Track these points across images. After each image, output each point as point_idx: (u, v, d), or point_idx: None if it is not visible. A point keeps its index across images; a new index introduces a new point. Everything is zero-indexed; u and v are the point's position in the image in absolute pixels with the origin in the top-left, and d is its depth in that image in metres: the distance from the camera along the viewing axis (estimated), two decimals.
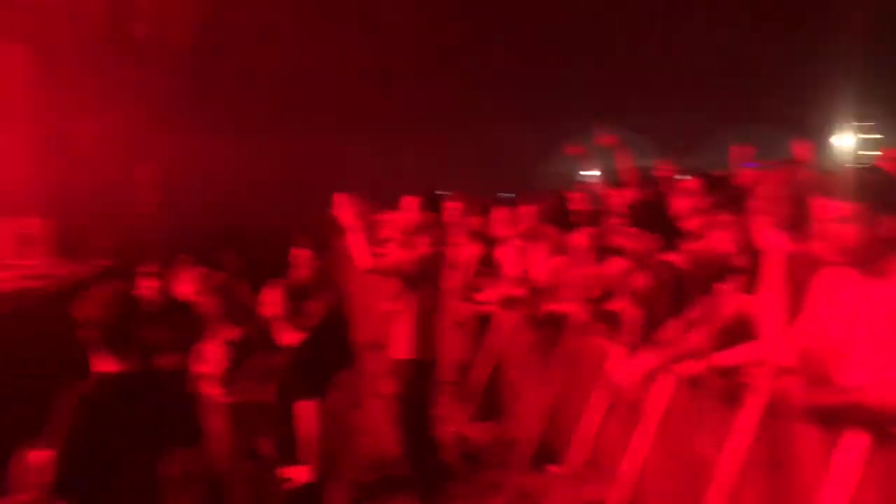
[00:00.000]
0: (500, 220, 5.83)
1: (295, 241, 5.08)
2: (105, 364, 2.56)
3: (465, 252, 5.71)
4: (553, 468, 4.10)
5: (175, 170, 12.47)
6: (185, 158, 12.73)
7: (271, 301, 3.55)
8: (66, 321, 7.01)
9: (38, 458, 2.89)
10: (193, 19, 12.94)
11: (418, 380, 4.33)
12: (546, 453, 4.41)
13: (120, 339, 2.56)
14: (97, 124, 11.68)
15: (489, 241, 5.80)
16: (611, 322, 3.81)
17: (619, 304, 3.77)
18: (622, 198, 4.83)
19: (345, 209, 4.30)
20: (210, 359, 4.52)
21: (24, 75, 10.25)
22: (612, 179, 5.14)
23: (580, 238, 4.36)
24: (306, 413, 3.27)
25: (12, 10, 11.80)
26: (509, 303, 4.85)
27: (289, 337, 3.54)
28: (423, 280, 4.25)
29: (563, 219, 4.62)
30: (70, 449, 2.46)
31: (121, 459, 2.52)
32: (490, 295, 5.16)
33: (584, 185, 6.39)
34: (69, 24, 11.75)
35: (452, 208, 5.71)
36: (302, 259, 4.96)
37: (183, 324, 4.34)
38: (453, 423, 5.15)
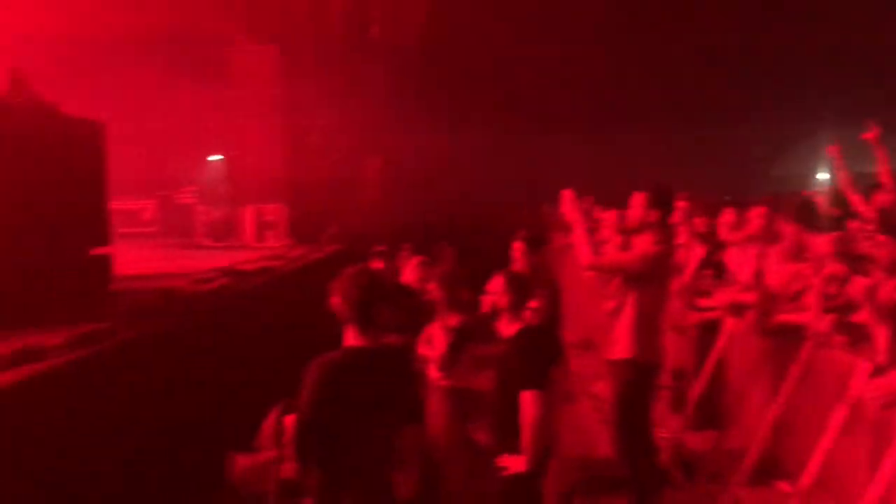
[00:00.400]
0: (728, 223, 5.58)
1: (514, 235, 5.16)
2: (352, 338, 2.75)
3: (689, 254, 5.51)
4: (781, 485, 3.86)
5: (400, 163, 13.08)
6: (409, 153, 13.31)
7: (494, 291, 3.61)
8: (299, 297, 7.57)
9: (285, 420, 3.15)
10: (422, 19, 13.52)
11: (635, 381, 4.23)
12: (769, 468, 4.17)
13: (366, 317, 2.73)
14: (331, 119, 12.49)
15: (714, 244, 5.57)
16: (855, 335, 3.52)
17: (865, 317, 3.48)
18: (872, 202, 4.43)
19: (569, 205, 4.29)
20: (433, 343, 4.72)
21: (271, 74, 11.19)
22: (861, 183, 4.74)
23: (823, 243, 4.06)
24: (528, 403, 3.30)
25: (263, 14, 12.98)
26: (738, 309, 4.61)
27: (509, 327, 3.59)
28: (646, 279, 4.15)
29: (808, 221, 4.32)
30: (314, 415, 2.66)
31: (358, 430, 2.69)
32: (717, 300, 4.94)
33: (823, 188, 5.95)
34: (311, 25, 12.68)
35: (678, 208, 5.53)
36: (519, 252, 5.04)
37: (409, 307, 4.54)
38: (669, 429, 4.99)
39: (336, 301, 2.79)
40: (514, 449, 3.43)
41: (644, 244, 4.21)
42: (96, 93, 10.79)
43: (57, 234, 5.30)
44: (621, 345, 4.21)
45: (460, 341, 4.67)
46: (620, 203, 5.85)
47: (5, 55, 9.16)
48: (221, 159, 12.40)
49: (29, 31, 12.73)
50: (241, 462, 3.47)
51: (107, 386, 3.91)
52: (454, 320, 4.72)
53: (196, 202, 12.29)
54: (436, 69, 14.01)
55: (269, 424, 3.50)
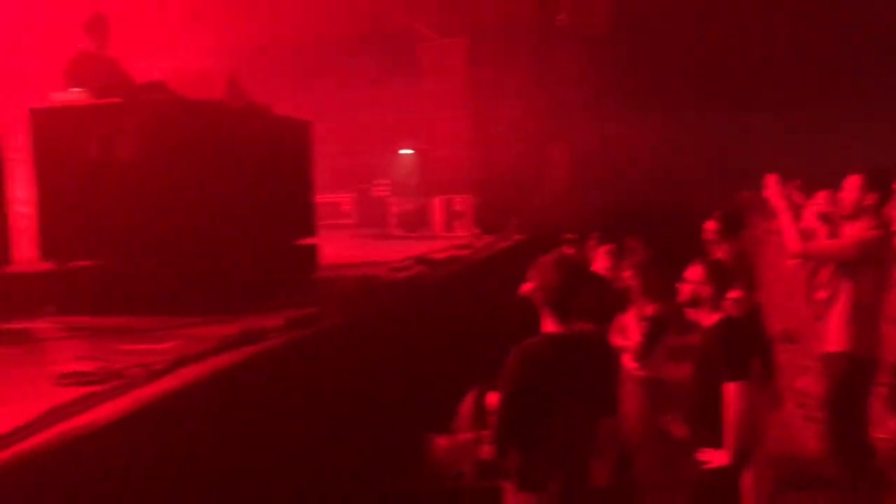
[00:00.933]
0: None
1: (709, 222, 4.96)
2: (549, 325, 2.78)
3: None
4: None
5: (587, 151, 12.93)
6: (597, 140, 13.12)
7: (693, 279, 3.51)
8: (487, 285, 7.68)
9: (484, 403, 3.23)
10: (612, 3, 13.27)
11: (850, 377, 3.95)
12: None
13: (565, 304, 2.75)
14: (519, 109, 12.56)
15: None
16: None
17: None
18: None
19: (774, 190, 4.07)
20: (628, 332, 4.66)
21: (460, 66, 11.44)
22: None
23: None
24: (732, 396, 3.18)
25: (453, 8, 13.28)
26: None
27: (709, 317, 3.46)
28: (863, 267, 3.86)
29: None
30: (516, 400, 2.72)
31: (558, 416, 2.72)
32: None
33: None
34: (500, 16, 12.81)
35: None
36: (711, 232, 4.84)
37: (604, 295, 4.49)
38: (887, 430, 4.61)
39: (533, 287, 2.83)
40: (709, 442, 3.33)
41: (859, 229, 3.91)
42: (299, 93, 11.56)
43: (269, 225, 5.76)
44: (835, 337, 3.95)
45: (655, 331, 4.58)
46: (815, 188, 5.46)
47: (223, 61, 10.00)
48: (412, 153, 12.86)
49: (242, 39, 13.81)
50: (440, 443, 3.61)
51: (317, 366, 4.20)
52: (649, 309, 4.63)
53: (389, 194, 12.82)
54: (625, 53, 13.68)
55: (466, 408, 3.61)
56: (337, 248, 8.23)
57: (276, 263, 5.79)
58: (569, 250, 5.42)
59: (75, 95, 5.38)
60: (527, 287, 2.84)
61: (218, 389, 3.29)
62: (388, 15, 13.98)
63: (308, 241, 6.46)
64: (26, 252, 5.30)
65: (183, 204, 4.89)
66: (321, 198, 7.17)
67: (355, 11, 14.21)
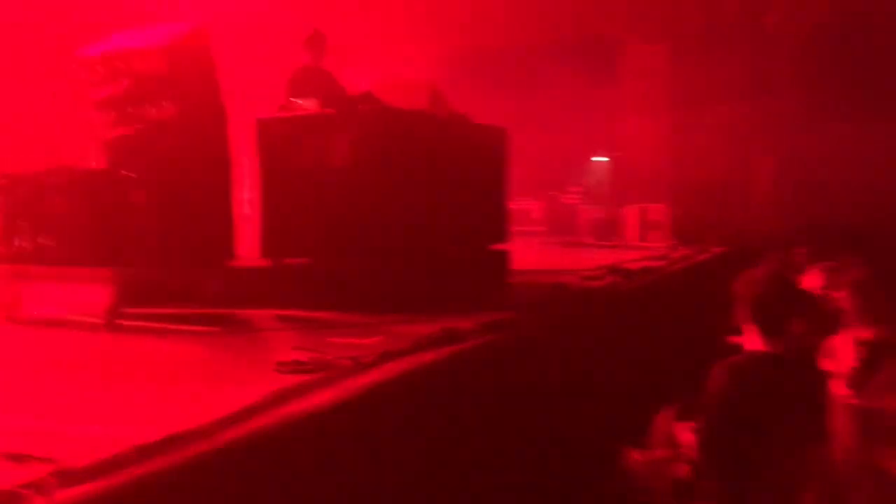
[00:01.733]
0: None
1: None
2: (756, 343, 2.67)
3: None
4: None
5: (795, 160, 12.17)
6: (806, 149, 12.31)
7: None
8: (684, 298, 7.41)
9: (680, 423, 3.15)
10: (825, 3, 12.42)
11: None
12: None
13: (774, 322, 2.63)
14: (721, 116, 12.07)
15: None
16: None
17: None
18: None
19: None
20: (840, 356, 4.34)
21: (660, 72, 11.18)
22: None
23: None
24: None
25: (655, 13, 13.01)
26: None
27: None
28: None
29: None
30: (716, 421, 2.63)
31: (763, 440, 2.60)
32: None
33: None
34: (703, 21, 12.38)
35: None
36: None
37: (814, 315, 4.22)
38: None
39: (740, 303, 2.73)
40: None
41: None
42: (496, 99, 11.77)
43: (466, 230, 5.93)
44: None
45: (874, 357, 4.23)
46: None
47: (426, 71, 10.42)
48: (606, 160, 12.70)
49: (442, 49, 14.29)
50: (635, 457, 3.55)
51: (510, 370, 4.27)
52: (867, 333, 4.29)
53: (581, 202, 12.73)
54: (839, 56, 12.73)
55: (661, 423, 3.53)
56: (528, 254, 8.29)
57: (471, 267, 5.95)
58: (773, 266, 5.12)
59: (296, 106, 5.83)
60: (735, 302, 2.74)
61: (418, 385, 3.44)
62: (587, 21, 13.92)
63: (502, 246, 6.58)
64: (248, 249, 5.79)
65: (389, 208, 5.17)
66: (511, 204, 7.26)
67: (554, 19, 14.27)
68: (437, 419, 3.50)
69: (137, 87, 4.95)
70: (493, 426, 3.99)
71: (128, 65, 4.93)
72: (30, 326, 4.84)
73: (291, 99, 6.09)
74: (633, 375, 5.82)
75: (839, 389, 4.30)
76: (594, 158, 12.88)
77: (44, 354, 4.25)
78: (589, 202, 12.54)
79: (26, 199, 4.87)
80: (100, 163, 5.22)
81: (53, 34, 9.07)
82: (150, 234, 4.65)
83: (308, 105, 5.68)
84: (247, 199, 6.37)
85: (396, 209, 5.18)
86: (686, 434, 2.84)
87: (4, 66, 9.55)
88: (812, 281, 4.86)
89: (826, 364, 4.22)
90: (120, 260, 4.62)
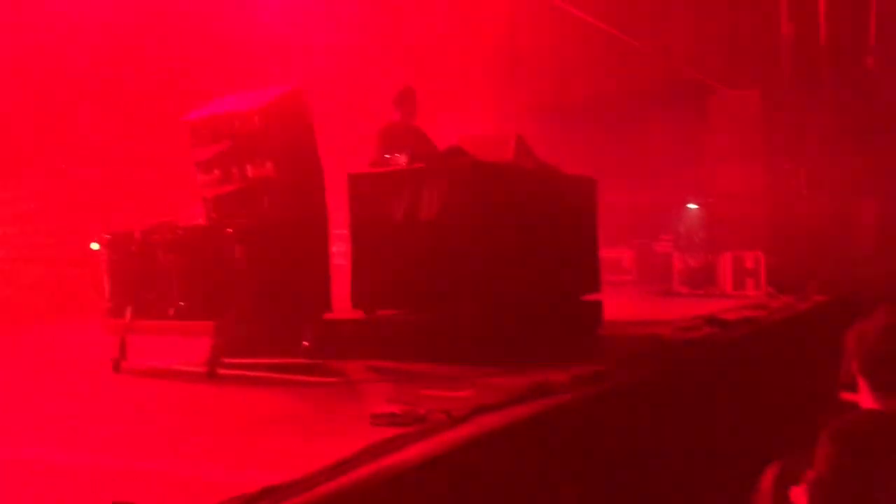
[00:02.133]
0: None
1: None
2: (871, 401, 2.52)
3: None
4: None
5: None
6: None
7: None
8: (785, 350, 7.12)
9: (785, 479, 3.00)
10: None
11: None
12: None
13: (887, 377, 2.48)
14: (819, 161, 11.71)
15: None
16: None
17: None
18: None
19: None
20: None
21: (751, 118, 10.94)
22: None
23: None
24: None
25: (745, 59, 12.83)
26: None
27: None
28: None
29: None
30: (827, 485, 2.47)
31: None
32: None
33: None
34: (796, 64, 12.11)
35: None
36: None
37: None
38: None
39: (851, 357, 2.59)
40: None
41: None
42: (586, 147, 11.77)
43: (558, 280, 5.89)
44: None
45: None
46: None
47: (513, 123, 10.52)
48: (698, 207, 12.46)
49: (530, 99, 14.43)
50: None
51: (603, 425, 4.18)
52: None
53: (673, 250, 12.48)
54: None
55: (766, 483, 3.37)
56: (619, 304, 8.15)
57: (563, 318, 5.90)
58: (889, 316, 4.87)
59: (387, 161, 5.97)
60: (846, 355, 2.60)
61: (511, 439, 3.40)
62: (677, 68, 13.82)
63: (593, 296, 6.50)
64: (341, 301, 5.91)
65: (479, 260, 5.19)
66: (602, 253, 7.19)
67: (643, 66, 14.23)
68: (529, 474, 3.45)
69: (238, 147, 5.18)
70: (586, 482, 3.90)
71: (229, 126, 5.17)
72: (134, 377, 5.04)
73: (382, 154, 6.24)
74: (733, 432, 5.60)
75: None
76: (687, 206, 12.65)
77: (145, 404, 4.41)
78: (682, 250, 12.28)
79: (131, 255, 5.12)
80: (202, 219, 5.47)
81: (160, 99, 9.62)
82: (249, 288, 4.80)
83: (398, 160, 5.81)
84: (339, 251, 6.51)
85: (486, 261, 5.21)
86: (795, 498, 2.68)
87: (115, 130, 10.16)
88: None
89: None
90: (220, 313, 4.79)
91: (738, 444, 5.12)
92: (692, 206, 12.13)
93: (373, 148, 6.78)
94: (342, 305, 5.75)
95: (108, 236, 5.26)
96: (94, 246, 5.51)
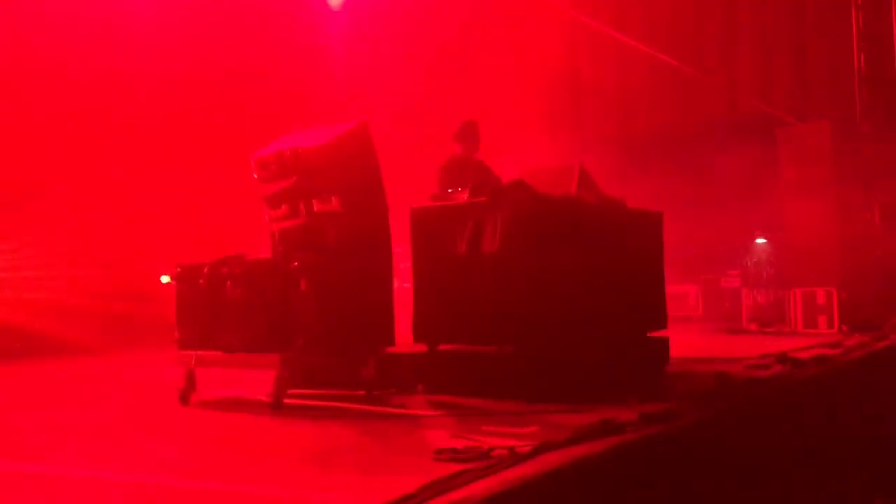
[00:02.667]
0: None
1: None
2: None
3: None
4: None
5: None
6: None
7: None
8: (861, 390, 6.84)
9: None
10: None
11: None
12: None
13: None
14: (892, 192, 11.34)
15: None
16: None
17: None
18: None
19: None
20: None
21: (823, 150, 10.67)
22: None
23: None
24: None
25: (813, 90, 12.58)
26: None
27: None
28: None
29: None
30: None
31: None
32: None
33: None
34: (867, 94, 11.82)
35: None
36: None
37: None
38: None
39: None
40: None
41: None
42: (650, 181, 11.64)
43: (623, 316, 5.79)
44: None
45: None
46: None
47: (578, 156, 10.47)
48: (766, 242, 12.15)
49: (595, 133, 14.39)
50: None
51: (672, 464, 4.05)
52: None
53: (741, 286, 12.18)
54: None
55: None
56: (686, 340, 7.97)
57: (629, 355, 5.78)
58: None
59: (449, 195, 5.99)
60: None
61: (576, 478, 3.32)
62: (742, 101, 13.61)
63: (660, 333, 6.37)
64: (403, 335, 5.92)
65: (541, 294, 5.14)
66: (667, 288, 7.05)
67: (708, 99, 14.07)
68: None
69: (304, 182, 5.27)
70: None
71: (296, 162, 5.26)
72: (200, 408, 5.12)
73: (446, 189, 6.27)
74: (808, 475, 5.38)
75: None
76: (755, 240, 12.36)
77: (210, 434, 4.47)
78: (750, 286, 11.97)
79: (199, 288, 5.23)
80: (270, 253, 5.56)
81: (229, 137, 9.90)
82: (314, 321, 4.85)
83: (460, 194, 5.82)
84: (402, 285, 6.54)
85: (549, 296, 5.15)
86: None
87: (185, 166, 10.48)
88: None
89: None
90: (286, 345, 4.84)
91: (812, 487, 4.91)
92: (761, 240, 11.84)
93: (436, 182, 6.83)
94: (405, 339, 5.75)
95: (178, 269, 5.38)
96: (165, 279, 5.65)
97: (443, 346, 5.71)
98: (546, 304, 5.14)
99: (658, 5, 14.54)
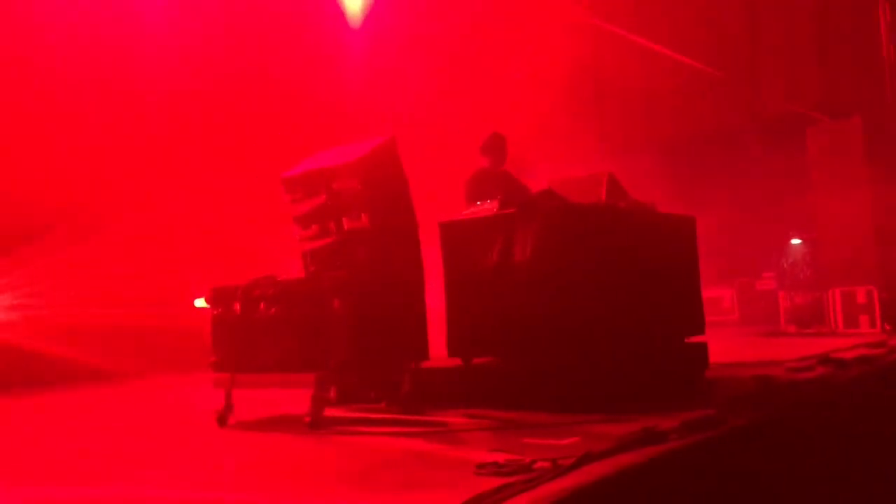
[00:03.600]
0: None
1: None
2: None
3: None
4: None
5: None
6: None
7: None
8: None
9: None
10: None
11: None
12: None
13: None
14: None
15: None
16: None
17: None
18: None
19: None
20: None
21: (855, 148, 10.51)
22: None
23: None
24: None
25: (843, 87, 12.41)
26: None
27: None
28: None
29: None
30: None
31: None
32: None
33: None
34: (893, 90, 11.64)
35: None
36: None
37: None
38: None
39: None
40: None
41: None
42: (684, 185, 11.55)
43: (660, 322, 5.71)
44: None
45: None
46: None
47: (604, 164, 10.41)
48: (801, 243, 11.98)
49: (624, 138, 14.32)
50: None
51: (716, 470, 3.98)
52: None
53: (777, 287, 12.01)
54: None
55: None
56: (724, 345, 7.87)
57: (668, 362, 5.70)
58: None
59: (477, 208, 5.97)
60: None
61: (621, 488, 3.27)
62: (773, 101, 13.46)
63: (698, 338, 6.27)
64: (437, 349, 5.89)
65: (575, 303, 5.09)
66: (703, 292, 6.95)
67: (738, 100, 13.94)
68: None
69: (334, 201, 5.28)
70: None
71: (324, 181, 5.28)
72: (239, 430, 5.13)
73: (474, 201, 6.26)
74: (857, 480, 5.25)
75: None
76: (790, 241, 12.19)
77: (248, 455, 4.47)
78: (787, 287, 11.79)
79: (233, 310, 5.25)
80: (302, 273, 5.58)
81: (260, 159, 9.99)
82: (347, 339, 4.84)
83: (489, 206, 5.80)
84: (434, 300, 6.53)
85: (581, 304, 5.10)
86: None
87: (217, 188, 10.58)
88: None
89: None
90: (321, 364, 4.83)
91: (861, 490, 4.78)
92: (796, 241, 11.67)
93: (463, 196, 6.82)
94: (439, 353, 5.73)
95: (212, 291, 5.42)
96: (199, 302, 5.68)
97: (477, 360, 5.68)
98: (580, 313, 5.09)
99: (681, 9, 14.47)
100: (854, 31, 12.78)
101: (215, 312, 5.40)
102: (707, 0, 14.31)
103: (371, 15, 12.87)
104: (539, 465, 3.27)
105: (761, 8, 14.03)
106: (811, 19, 13.54)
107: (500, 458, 3.40)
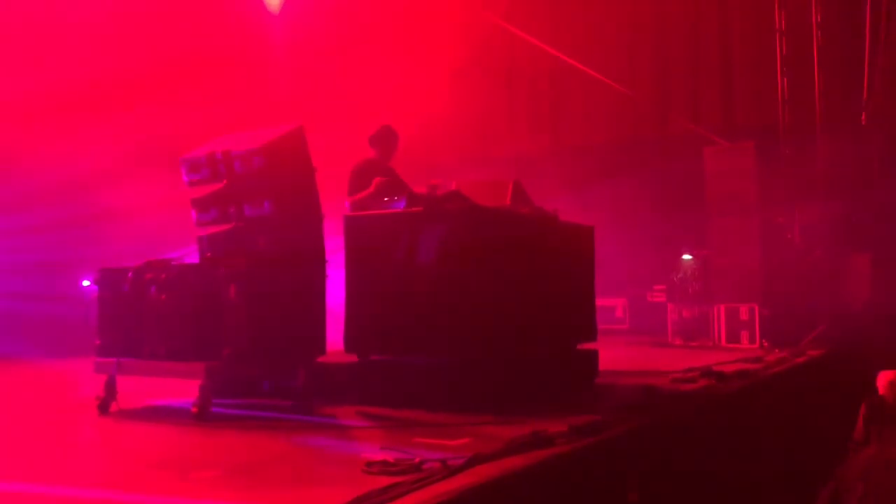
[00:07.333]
0: None
1: None
2: None
3: None
4: None
5: (893, 257, 11.66)
6: None
7: None
8: (781, 404, 7.04)
9: None
10: None
11: None
12: None
13: None
14: (812, 213, 11.80)
15: None
16: None
17: None
18: None
19: None
20: None
21: (748, 170, 11.00)
22: None
23: None
24: None
25: (739, 113, 13.00)
26: None
27: None
28: None
29: None
30: None
31: None
32: None
33: None
34: (790, 118, 12.29)
35: None
36: None
37: None
38: None
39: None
40: None
41: None
42: (581, 196, 11.82)
43: (554, 328, 5.82)
44: None
45: None
46: None
47: (510, 170, 10.55)
48: (691, 258, 12.48)
49: (527, 147, 14.53)
50: None
51: (601, 476, 4.08)
52: None
53: (667, 300, 12.44)
54: None
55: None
56: (614, 353, 8.09)
57: (560, 367, 5.82)
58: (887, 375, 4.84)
59: (384, 204, 5.91)
60: None
61: (508, 490, 3.31)
62: (673, 119, 13.96)
63: (590, 345, 6.43)
64: (334, 344, 5.82)
65: (474, 305, 5.12)
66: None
67: (637, 117, 14.40)
68: None
69: (236, 187, 5.14)
70: None
71: (227, 166, 5.14)
72: (120, 418, 4.93)
73: (356, 191, 6.22)
74: (731, 486, 5.50)
75: None
76: (682, 256, 12.67)
77: (129, 445, 4.30)
78: (676, 301, 12.24)
79: (122, 293, 5.04)
80: (196, 258, 5.40)
81: (160, 138, 9.62)
82: (241, 329, 4.72)
83: (395, 203, 5.77)
84: (334, 294, 6.43)
85: (483, 307, 5.14)
86: None
87: (115, 165, 10.13)
88: None
89: None
90: (212, 354, 4.70)
91: (736, 496, 5.01)
92: (687, 256, 12.13)
93: (347, 185, 6.66)
94: (336, 348, 5.67)
95: (99, 272, 5.18)
96: (87, 283, 5.42)
97: (374, 357, 5.64)
98: (478, 314, 5.12)
99: (595, 24, 14.85)
100: (754, 62, 13.42)
101: (103, 294, 5.17)
102: (621, 23, 14.75)
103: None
104: (428, 465, 3.28)
105: (669, 31, 14.54)
106: (714, 46, 14.15)
107: (390, 456, 3.39)
